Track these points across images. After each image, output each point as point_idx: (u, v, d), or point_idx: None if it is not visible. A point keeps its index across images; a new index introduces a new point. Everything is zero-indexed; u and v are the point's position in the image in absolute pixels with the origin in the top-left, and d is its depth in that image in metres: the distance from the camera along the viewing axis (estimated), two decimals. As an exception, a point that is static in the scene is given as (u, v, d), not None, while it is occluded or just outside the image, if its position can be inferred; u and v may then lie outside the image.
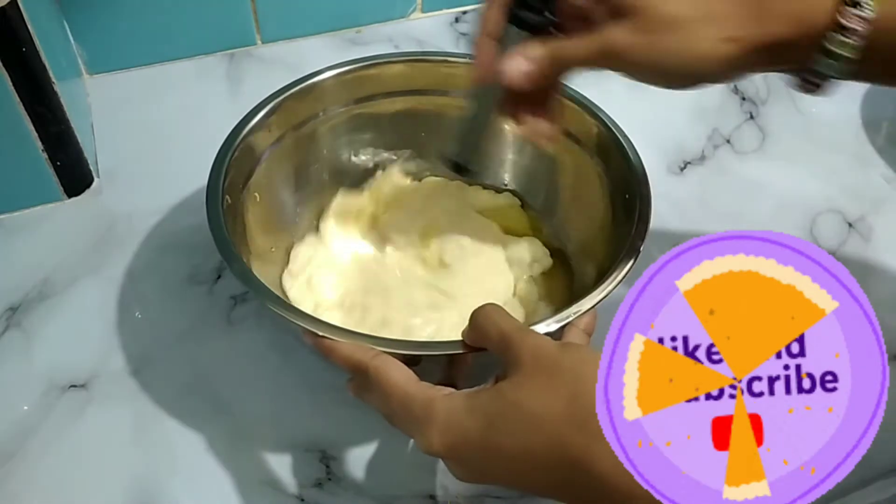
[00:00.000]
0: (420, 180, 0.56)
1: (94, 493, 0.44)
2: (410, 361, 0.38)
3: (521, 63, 0.38)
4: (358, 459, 0.46)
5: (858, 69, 0.35)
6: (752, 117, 0.69)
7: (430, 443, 0.33)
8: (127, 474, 0.44)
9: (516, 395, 0.31)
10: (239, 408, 0.47)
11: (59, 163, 0.56)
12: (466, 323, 0.37)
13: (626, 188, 0.46)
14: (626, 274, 0.41)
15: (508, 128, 0.43)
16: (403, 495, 0.44)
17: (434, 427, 0.33)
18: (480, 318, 0.36)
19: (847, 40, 0.34)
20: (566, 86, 0.50)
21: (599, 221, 0.50)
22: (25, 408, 0.47)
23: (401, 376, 0.35)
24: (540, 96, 0.41)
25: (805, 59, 0.36)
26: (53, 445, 0.45)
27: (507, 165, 0.56)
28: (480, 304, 0.37)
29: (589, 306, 0.40)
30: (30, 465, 0.44)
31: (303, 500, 0.44)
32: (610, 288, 0.40)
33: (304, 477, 0.45)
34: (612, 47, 0.36)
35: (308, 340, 0.38)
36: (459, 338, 0.38)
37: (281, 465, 0.45)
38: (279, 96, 0.49)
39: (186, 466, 0.45)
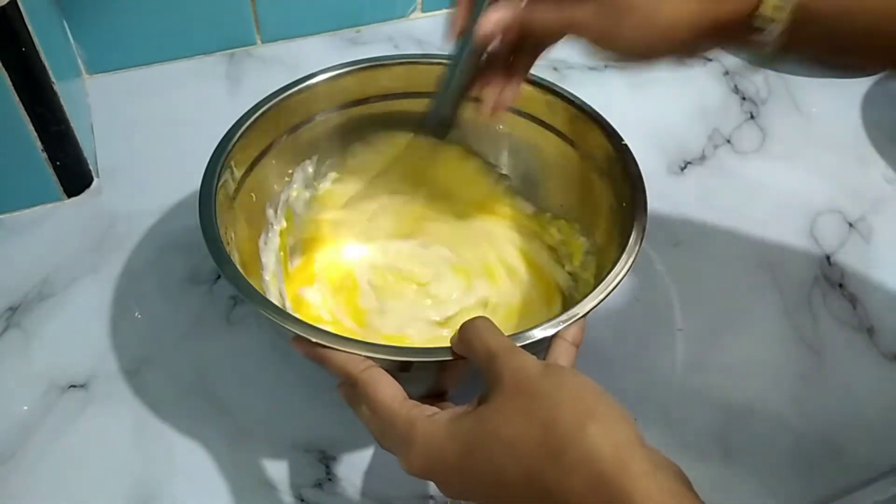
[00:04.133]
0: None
1: (93, 493, 0.44)
2: (401, 367, 0.38)
3: (491, 19, 0.40)
4: (358, 460, 0.46)
5: (788, 47, 0.37)
6: (752, 117, 0.69)
7: (410, 464, 0.33)
8: (126, 474, 0.44)
9: (494, 422, 0.31)
10: (239, 408, 0.47)
11: (58, 163, 0.56)
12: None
13: (624, 196, 0.46)
14: (620, 282, 0.41)
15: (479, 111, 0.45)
16: (402, 496, 0.44)
17: (414, 450, 0.33)
18: (469, 333, 0.36)
19: (775, 17, 0.36)
20: (565, 90, 0.51)
21: (598, 228, 0.50)
22: (25, 408, 0.47)
23: (387, 393, 0.35)
24: (508, 73, 0.44)
25: (742, 34, 0.37)
26: (53, 445, 0.45)
27: (505, 171, 0.56)
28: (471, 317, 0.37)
29: (583, 313, 0.39)
30: (30, 465, 0.44)
31: (302, 500, 0.44)
32: (602, 296, 0.40)
33: (303, 477, 0.45)
34: (575, 24, 0.39)
35: (298, 349, 0.38)
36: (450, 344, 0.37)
37: (280, 466, 0.45)
38: (275, 98, 0.49)
39: (186, 466, 0.45)
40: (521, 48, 0.43)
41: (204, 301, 0.53)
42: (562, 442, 0.29)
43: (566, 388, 0.31)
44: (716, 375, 0.51)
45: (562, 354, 0.38)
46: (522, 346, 0.37)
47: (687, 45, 0.38)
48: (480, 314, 0.37)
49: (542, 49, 0.44)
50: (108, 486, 0.44)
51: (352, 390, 0.37)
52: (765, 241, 0.59)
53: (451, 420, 0.33)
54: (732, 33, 0.38)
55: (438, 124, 0.48)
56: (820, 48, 0.38)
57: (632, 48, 0.39)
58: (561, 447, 0.29)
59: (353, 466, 0.45)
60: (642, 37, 0.38)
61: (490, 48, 0.43)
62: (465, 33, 0.42)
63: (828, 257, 0.57)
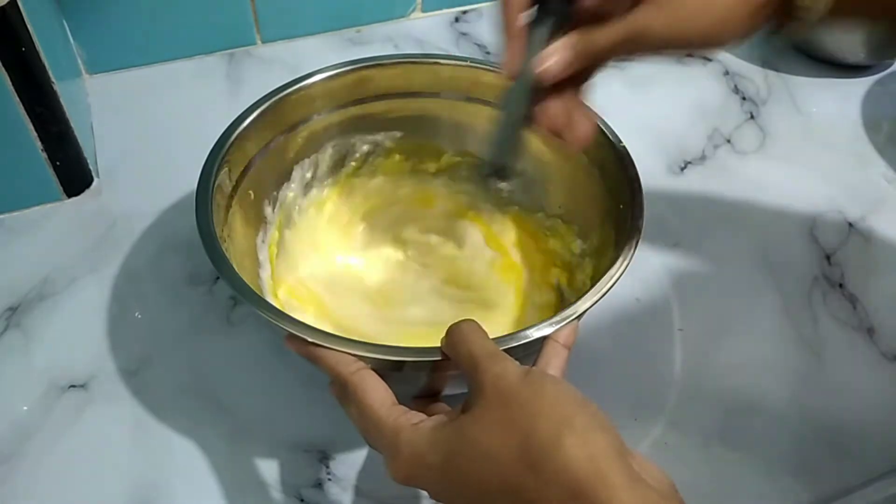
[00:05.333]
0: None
1: (93, 493, 0.44)
2: (393, 367, 0.38)
3: (553, 58, 0.38)
4: (357, 460, 0.46)
5: (838, 11, 0.36)
6: (752, 117, 0.69)
7: (395, 471, 0.34)
8: (126, 474, 0.44)
9: (474, 432, 0.31)
10: (238, 408, 0.47)
11: (58, 163, 0.56)
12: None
13: (621, 198, 0.46)
14: (615, 282, 0.41)
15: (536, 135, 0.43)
16: (402, 495, 0.44)
17: (399, 459, 0.33)
18: (455, 337, 0.36)
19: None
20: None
21: (595, 230, 0.50)
22: (25, 408, 0.47)
23: (375, 398, 0.35)
24: (567, 99, 0.41)
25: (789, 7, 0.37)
26: (53, 445, 0.45)
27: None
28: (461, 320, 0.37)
29: (578, 314, 0.39)
30: (30, 465, 0.44)
31: (301, 499, 0.44)
32: (597, 298, 0.40)
33: (303, 477, 0.45)
34: (639, 27, 0.37)
35: (291, 347, 0.38)
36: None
37: (280, 466, 0.45)
38: (273, 97, 0.49)
39: (186, 466, 0.45)
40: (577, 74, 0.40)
41: (204, 301, 0.53)
42: (539, 453, 0.29)
43: (545, 396, 0.31)
44: (716, 375, 0.50)
45: (553, 357, 0.37)
46: (517, 347, 0.37)
47: (747, 24, 0.37)
48: (474, 316, 0.37)
49: (599, 68, 0.41)
50: (107, 486, 0.44)
51: (342, 390, 0.37)
52: (765, 241, 0.59)
53: (433, 429, 0.33)
54: (780, 7, 0.37)
55: (500, 168, 0.44)
56: (871, 12, 0.38)
57: (698, 37, 0.38)
58: (538, 459, 0.29)
59: (352, 466, 0.45)
60: (705, 25, 0.37)
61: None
62: (519, 71, 0.39)
63: (828, 257, 0.57)
